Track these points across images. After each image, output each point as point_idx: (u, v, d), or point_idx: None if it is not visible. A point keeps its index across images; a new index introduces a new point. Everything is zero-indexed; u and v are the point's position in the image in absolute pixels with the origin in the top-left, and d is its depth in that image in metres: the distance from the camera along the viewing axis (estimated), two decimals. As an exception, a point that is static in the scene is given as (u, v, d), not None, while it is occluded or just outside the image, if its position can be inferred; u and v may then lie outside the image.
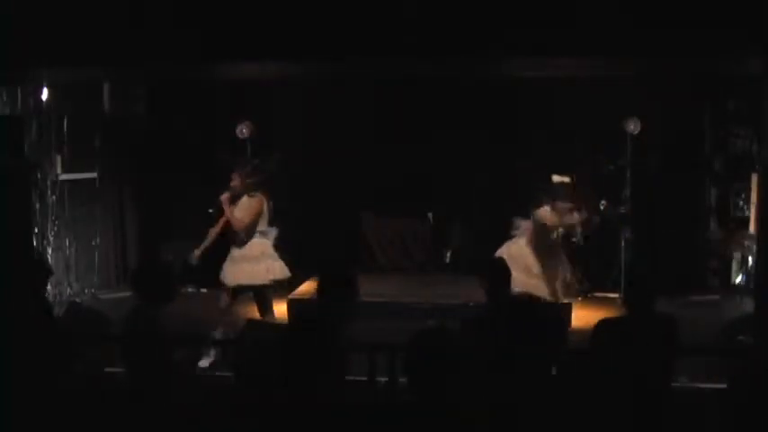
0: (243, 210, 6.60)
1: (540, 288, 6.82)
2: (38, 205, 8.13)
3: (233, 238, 6.69)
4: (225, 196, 6.59)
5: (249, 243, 6.64)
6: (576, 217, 6.95)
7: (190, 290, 8.85)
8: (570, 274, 7.27)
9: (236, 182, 6.62)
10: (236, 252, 6.68)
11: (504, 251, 6.85)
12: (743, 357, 5.27)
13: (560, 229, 6.97)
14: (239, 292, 6.75)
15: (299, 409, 3.35)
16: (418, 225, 9.83)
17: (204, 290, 8.81)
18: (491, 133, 9.27)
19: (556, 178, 6.96)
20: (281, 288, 7.21)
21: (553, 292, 6.98)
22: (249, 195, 6.61)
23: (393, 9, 6.16)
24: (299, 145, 9.33)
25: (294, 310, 7.75)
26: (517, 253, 6.86)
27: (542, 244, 6.96)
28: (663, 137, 8.91)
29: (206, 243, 6.72)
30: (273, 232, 6.81)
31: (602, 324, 4.42)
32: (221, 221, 6.69)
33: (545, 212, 6.90)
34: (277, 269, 6.70)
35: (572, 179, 6.98)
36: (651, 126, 8.80)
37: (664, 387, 4.20)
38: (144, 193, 9.84)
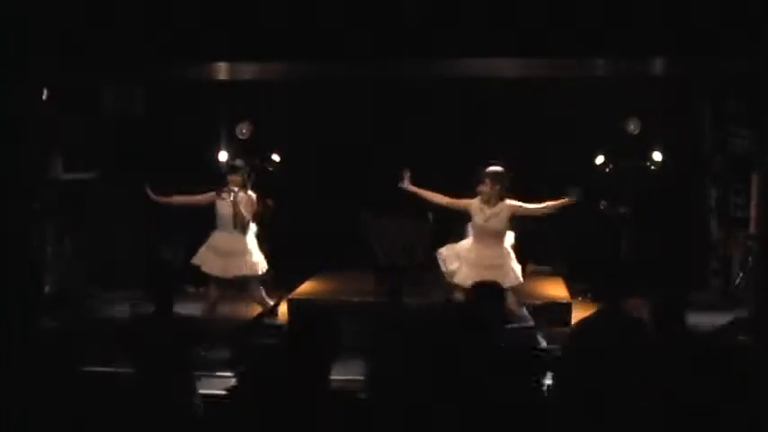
0: (248, 205, 6.98)
1: (498, 277, 6.64)
2: (38, 205, 8.12)
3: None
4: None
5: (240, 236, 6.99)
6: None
7: (190, 290, 8.83)
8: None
9: (240, 178, 6.97)
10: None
11: (450, 248, 6.87)
12: (743, 357, 5.25)
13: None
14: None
15: (300, 408, 3.34)
16: (418, 225, 9.81)
17: (203, 289, 8.79)
18: (490, 133, 9.25)
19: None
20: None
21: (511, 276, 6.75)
22: (245, 193, 6.99)
23: (393, 9, 6.17)
24: (299, 145, 9.32)
25: (294, 310, 7.75)
26: (462, 248, 6.82)
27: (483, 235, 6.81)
28: (663, 137, 8.90)
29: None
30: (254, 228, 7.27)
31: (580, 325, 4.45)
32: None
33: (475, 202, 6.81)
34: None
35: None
36: (651, 126, 8.79)
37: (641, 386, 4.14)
38: (144, 193, 9.81)
